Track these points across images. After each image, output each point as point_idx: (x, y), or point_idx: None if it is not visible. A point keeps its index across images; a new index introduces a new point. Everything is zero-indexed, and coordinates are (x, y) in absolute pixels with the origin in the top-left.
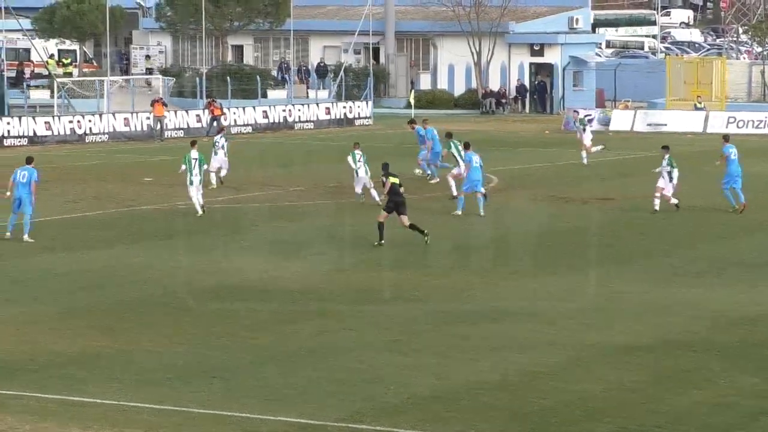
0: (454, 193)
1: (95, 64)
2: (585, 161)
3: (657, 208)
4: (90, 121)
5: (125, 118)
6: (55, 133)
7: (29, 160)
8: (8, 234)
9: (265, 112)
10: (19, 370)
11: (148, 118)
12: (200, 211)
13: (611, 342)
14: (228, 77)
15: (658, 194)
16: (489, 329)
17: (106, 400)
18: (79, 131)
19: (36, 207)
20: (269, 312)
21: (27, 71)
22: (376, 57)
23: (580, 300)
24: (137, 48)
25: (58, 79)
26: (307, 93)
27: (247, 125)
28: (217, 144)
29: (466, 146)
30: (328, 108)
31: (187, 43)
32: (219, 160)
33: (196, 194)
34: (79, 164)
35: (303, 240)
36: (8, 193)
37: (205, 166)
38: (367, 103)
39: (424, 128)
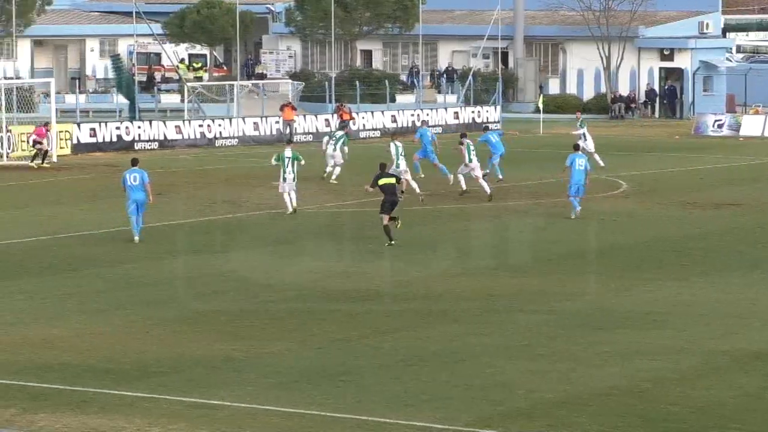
0: (464, 187)
1: (225, 68)
2: (602, 163)
3: None
4: (220, 125)
5: (255, 123)
6: (186, 137)
7: (135, 162)
8: (136, 238)
9: (393, 116)
10: (147, 372)
11: (278, 122)
12: (290, 209)
13: (742, 349)
14: (357, 82)
15: None
16: (618, 335)
17: (236, 403)
18: (209, 135)
19: (163, 210)
20: (398, 316)
21: (158, 75)
22: (505, 61)
23: (710, 306)
24: (267, 53)
25: (189, 84)
26: (436, 97)
27: (376, 129)
28: (335, 138)
29: (575, 148)
30: (456, 112)
31: (316, 47)
32: (337, 156)
33: (288, 192)
34: (208, 168)
35: (427, 244)
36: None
37: (301, 163)
38: (495, 108)
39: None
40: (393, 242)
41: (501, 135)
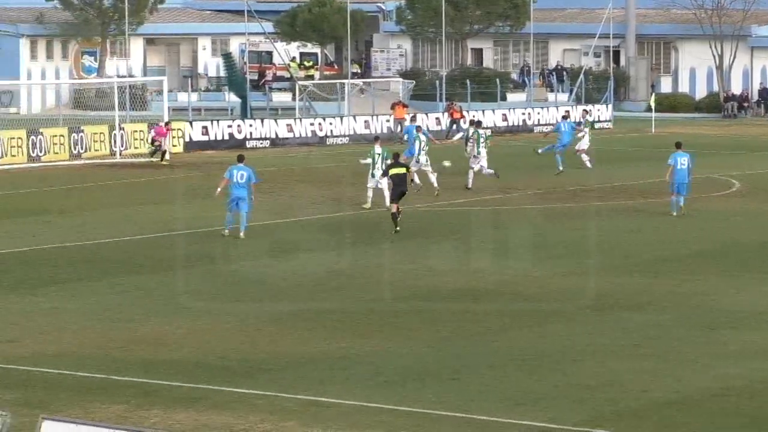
0: (470, 185)
1: (336, 67)
2: (589, 164)
3: None
4: (331, 123)
5: (365, 121)
6: (297, 135)
7: (241, 158)
8: (226, 231)
9: (504, 115)
10: (259, 369)
11: (388, 120)
12: (369, 204)
13: None
14: (467, 80)
15: None
16: (731, 335)
17: (346, 401)
18: (320, 133)
19: (274, 208)
20: (510, 314)
21: (269, 74)
22: (617, 60)
23: None
24: (378, 51)
25: (300, 82)
26: (547, 96)
27: (486, 128)
28: (479, 136)
29: (677, 146)
30: (567, 111)
31: (426, 46)
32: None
33: (374, 187)
34: (320, 166)
35: (537, 243)
36: (219, 190)
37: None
38: (607, 107)
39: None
40: (398, 229)
41: (573, 128)
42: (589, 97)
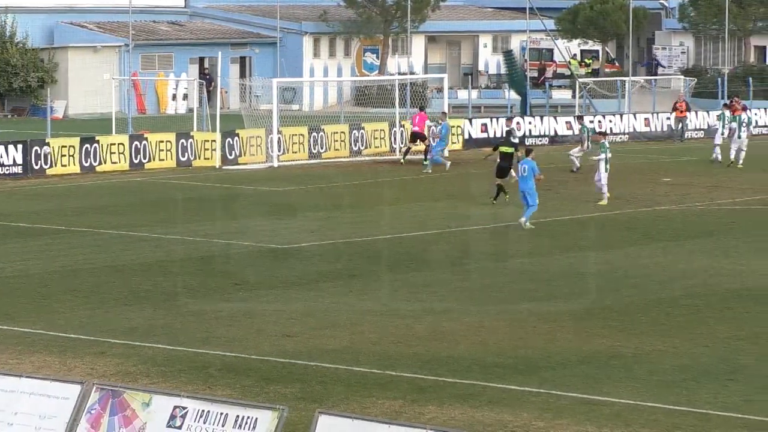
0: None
1: (617, 64)
2: (577, 163)
3: None
4: (610, 121)
5: (645, 118)
6: (575, 133)
7: (529, 152)
8: (523, 220)
9: None
10: (534, 367)
11: (669, 118)
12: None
13: None
14: (749, 78)
15: None
16: None
17: (621, 399)
18: (599, 130)
19: (549, 206)
20: None
21: (549, 71)
22: None
23: None
24: (659, 48)
25: (580, 80)
26: None
27: (765, 126)
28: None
29: None
30: None
31: (709, 43)
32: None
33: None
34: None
35: None
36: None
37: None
38: None
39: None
40: (495, 201)
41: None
42: None
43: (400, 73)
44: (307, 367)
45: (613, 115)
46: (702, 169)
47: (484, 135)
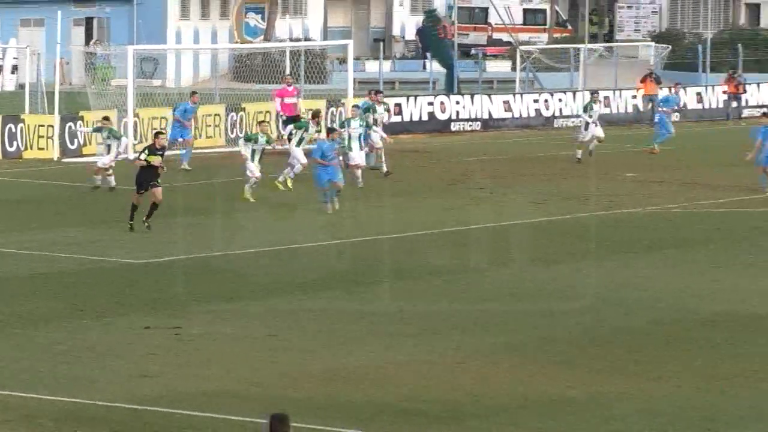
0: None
1: (569, 28)
2: (579, 155)
3: None
4: (560, 100)
5: (605, 97)
6: (516, 115)
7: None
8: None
9: None
10: (463, 414)
11: (635, 96)
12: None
13: None
14: (739, 45)
15: None
16: None
17: None
18: (546, 113)
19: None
20: None
21: (482, 37)
22: None
23: None
24: (624, 7)
25: (522, 48)
26: None
27: (762, 106)
28: None
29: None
30: None
31: (688, 1)
32: None
33: None
34: (545, 155)
35: None
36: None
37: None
38: None
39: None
40: None
41: None
42: None
43: (291, 40)
44: (167, 416)
45: (564, 92)
46: (676, 162)
47: (398, 118)
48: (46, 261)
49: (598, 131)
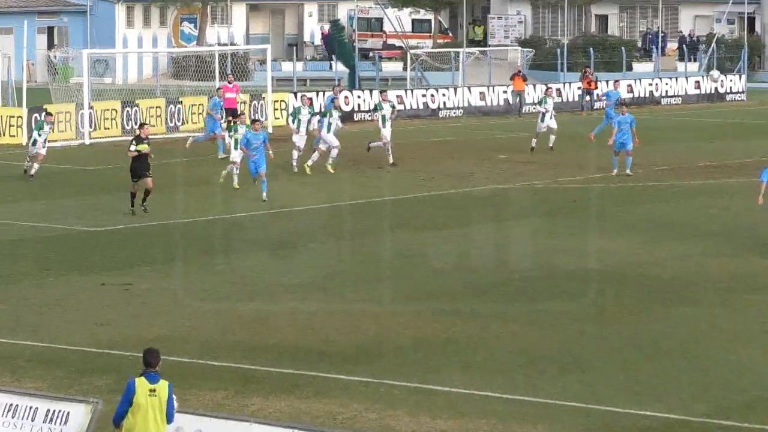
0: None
1: (450, 34)
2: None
3: None
4: (444, 95)
5: (481, 92)
6: (408, 107)
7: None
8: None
9: (629, 86)
10: (365, 355)
11: (506, 92)
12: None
13: None
14: (590, 49)
15: None
16: None
17: (456, 389)
18: (433, 105)
19: (384, 185)
20: (634, 298)
21: (379, 42)
22: (751, 27)
23: None
24: (495, 18)
25: (411, 51)
26: (676, 66)
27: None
28: None
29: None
30: (697, 82)
31: (547, 12)
32: None
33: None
34: (431, 140)
35: (673, 222)
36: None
37: None
38: (740, 78)
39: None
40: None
41: None
42: (722, 66)
43: (219, 44)
44: (122, 357)
45: (447, 88)
46: (542, 146)
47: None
48: (18, 230)
49: (552, 123)
